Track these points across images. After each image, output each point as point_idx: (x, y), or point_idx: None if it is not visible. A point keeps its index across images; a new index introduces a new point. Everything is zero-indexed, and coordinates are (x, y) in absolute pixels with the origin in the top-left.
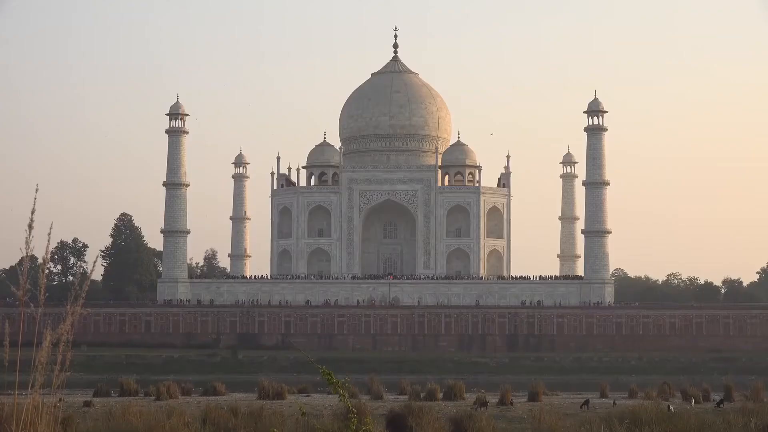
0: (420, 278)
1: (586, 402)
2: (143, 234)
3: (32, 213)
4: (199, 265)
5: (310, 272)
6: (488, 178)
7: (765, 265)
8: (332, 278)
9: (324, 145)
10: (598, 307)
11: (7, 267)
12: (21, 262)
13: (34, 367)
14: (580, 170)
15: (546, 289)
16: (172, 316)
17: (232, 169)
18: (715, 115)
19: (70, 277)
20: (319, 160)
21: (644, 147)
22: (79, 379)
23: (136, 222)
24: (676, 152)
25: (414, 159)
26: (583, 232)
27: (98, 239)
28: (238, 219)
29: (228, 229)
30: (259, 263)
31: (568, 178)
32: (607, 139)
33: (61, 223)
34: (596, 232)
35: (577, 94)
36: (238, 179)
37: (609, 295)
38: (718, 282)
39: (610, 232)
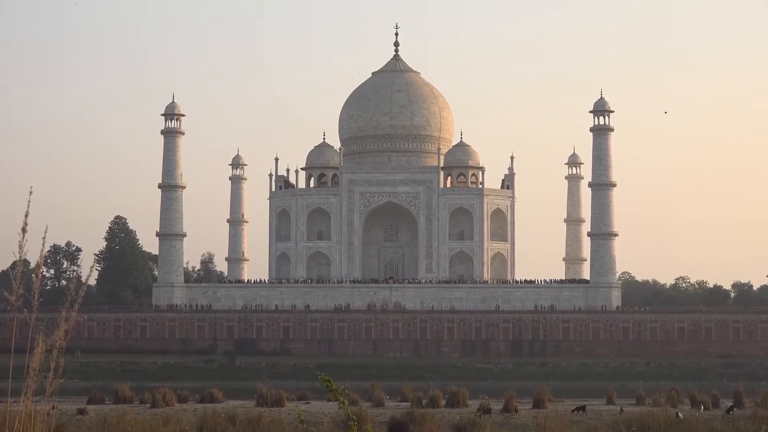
0: (422, 282)
1: (581, 408)
2: (138, 237)
3: (26, 216)
4: (196, 269)
5: (309, 276)
6: (491, 180)
7: None
8: (332, 282)
9: (323, 146)
10: (605, 311)
11: None
12: (14, 266)
13: (27, 374)
14: (586, 171)
15: (551, 293)
16: (168, 321)
17: (229, 171)
18: (724, 115)
19: (64, 282)
20: (318, 162)
21: (651, 147)
22: (73, 386)
23: (131, 225)
24: (684, 153)
25: (415, 160)
26: (589, 234)
27: (92, 243)
28: (236, 222)
29: (225, 232)
30: (257, 267)
31: (573, 180)
32: (614, 139)
33: (54, 227)
34: (602, 235)
35: (583, 93)
36: (236, 181)
37: (615, 299)
38: (727, 286)
39: (616, 235)
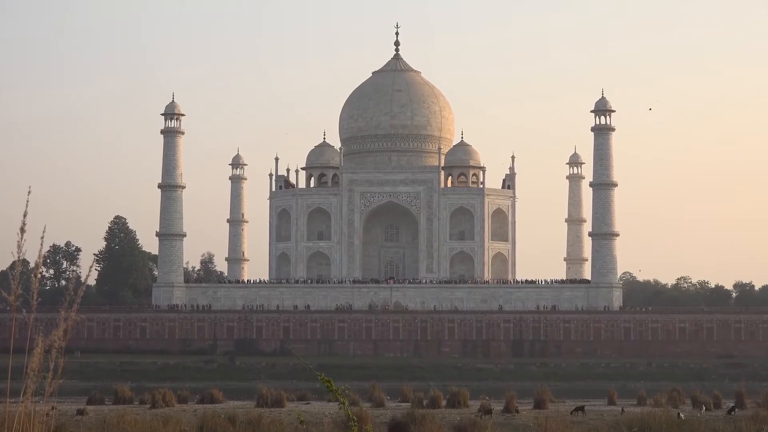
0: (422, 282)
1: (580, 408)
2: (138, 237)
3: (24, 216)
4: (196, 269)
5: (309, 276)
6: (492, 180)
7: None
8: (332, 282)
9: (323, 146)
10: (606, 311)
11: None
12: (13, 266)
13: (26, 374)
14: (587, 171)
15: (552, 294)
16: (168, 321)
17: (229, 171)
18: (726, 115)
19: (63, 282)
20: (318, 161)
21: (653, 147)
22: (72, 387)
23: (131, 225)
24: (686, 153)
25: (416, 160)
26: (590, 234)
27: (92, 243)
28: (236, 222)
29: (225, 232)
30: (257, 267)
31: (574, 179)
32: (615, 139)
33: (53, 226)
34: (604, 235)
35: (584, 92)
36: (236, 181)
37: (617, 299)
38: (729, 286)
39: (617, 235)
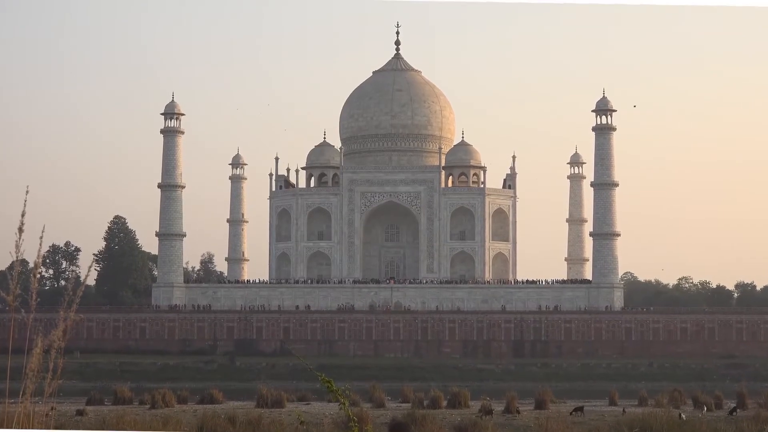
0: (423, 282)
1: (579, 408)
2: (138, 237)
3: (23, 215)
4: (196, 269)
5: (309, 276)
6: (493, 179)
7: None
8: (333, 282)
9: (324, 146)
10: (607, 311)
11: None
12: (11, 266)
13: (25, 374)
14: (588, 171)
15: (553, 294)
16: (168, 321)
17: (229, 171)
18: (726, 115)
19: (62, 282)
20: (318, 161)
21: (654, 147)
22: (72, 387)
23: (131, 225)
24: (687, 152)
25: (417, 159)
26: (591, 234)
27: (91, 243)
28: (236, 222)
29: (225, 232)
30: (257, 267)
31: (575, 179)
32: (616, 138)
33: (53, 226)
34: (605, 235)
35: (585, 92)
36: (236, 181)
37: (618, 299)
38: (730, 286)
39: (619, 235)
